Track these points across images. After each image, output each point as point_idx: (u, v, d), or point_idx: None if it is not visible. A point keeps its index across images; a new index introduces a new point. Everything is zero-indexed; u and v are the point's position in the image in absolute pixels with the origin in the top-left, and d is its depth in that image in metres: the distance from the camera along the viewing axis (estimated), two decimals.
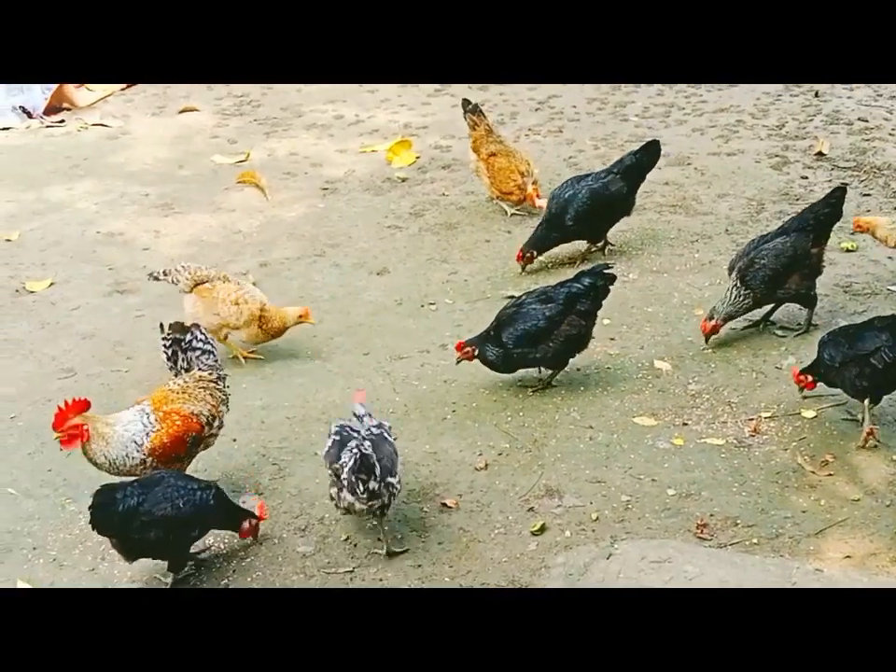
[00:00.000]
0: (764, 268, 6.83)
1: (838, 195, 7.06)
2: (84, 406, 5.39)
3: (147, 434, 5.47)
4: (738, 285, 6.81)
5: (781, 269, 6.85)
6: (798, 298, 7.02)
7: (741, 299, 6.81)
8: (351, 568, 5.31)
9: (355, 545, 5.46)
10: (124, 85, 12.24)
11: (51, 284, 8.23)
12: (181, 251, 8.63)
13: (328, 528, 5.59)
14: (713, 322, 6.82)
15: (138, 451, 5.44)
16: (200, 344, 5.96)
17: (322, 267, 8.36)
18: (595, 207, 7.94)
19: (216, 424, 5.74)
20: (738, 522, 5.47)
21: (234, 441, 6.26)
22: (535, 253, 7.91)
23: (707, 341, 6.88)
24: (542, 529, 5.50)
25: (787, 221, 7.19)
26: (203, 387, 5.76)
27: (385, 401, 6.59)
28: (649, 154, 8.16)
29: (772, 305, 7.10)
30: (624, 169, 8.08)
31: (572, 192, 7.93)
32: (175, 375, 5.96)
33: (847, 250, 7.99)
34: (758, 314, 7.07)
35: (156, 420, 5.51)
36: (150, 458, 5.48)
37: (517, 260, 7.90)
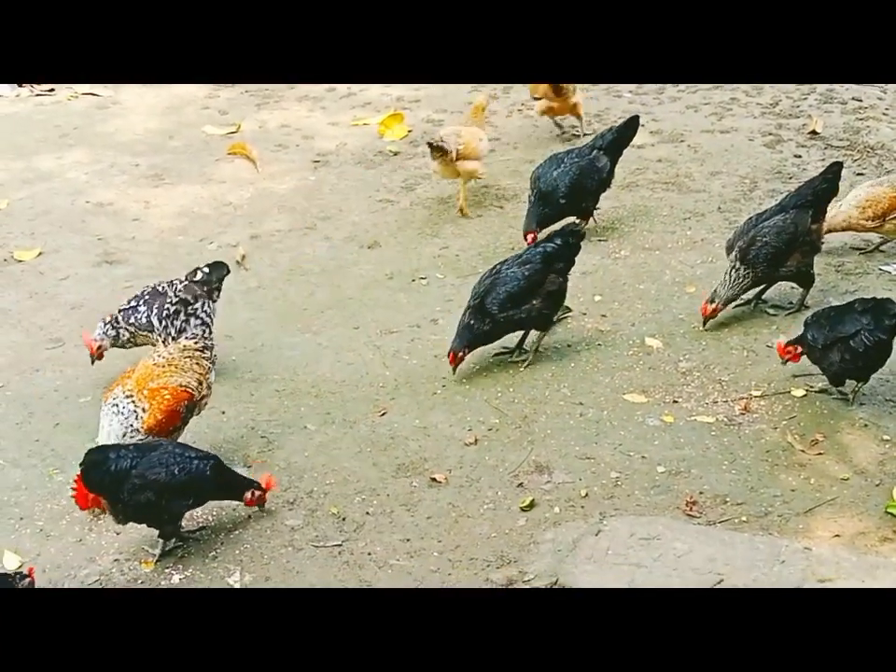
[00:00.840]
0: (767, 245, 6.77)
1: (835, 170, 7.03)
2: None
3: (138, 417, 5.46)
4: (738, 265, 6.75)
5: (784, 246, 6.79)
6: (798, 276, 6.98)
7: (741, 279, 6.76)
8: (339, 542, 5.30)
9: (343, 519, 5.45)
10: None
11: (40, 253, 8.17)
12: (171, 222, 8.58)
13: (316, 502, 5.58)
14: (714, 305, 6.77)
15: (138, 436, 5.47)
16: (203, 316, 6.17)
17: (313, 240, 8.32)
18: (585, 184, 7.92)
19: (204, 385, 5.73)
20: (728, 500, 5.47)
21: (223, 413, 6.24)
22: (538, 231, 7.83)
23: (705, 324, 6.84)
24: (531, 505, 5.50)
25: (784, 198, 7.12)
26: (189, 356, 5.74)
27: (375, 375, 6.58)
28: (629, 130, 8.18)
29: (764, 284, 7.07)
30: (607, 144, 8.07)
31: (560, 170, 7.89)
32: (162, 341, 5.98)
33: None
34: (750, 292, 7.05)
35: (139, 399, 5.48)
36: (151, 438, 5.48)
37: (529, 244, 7.66)
